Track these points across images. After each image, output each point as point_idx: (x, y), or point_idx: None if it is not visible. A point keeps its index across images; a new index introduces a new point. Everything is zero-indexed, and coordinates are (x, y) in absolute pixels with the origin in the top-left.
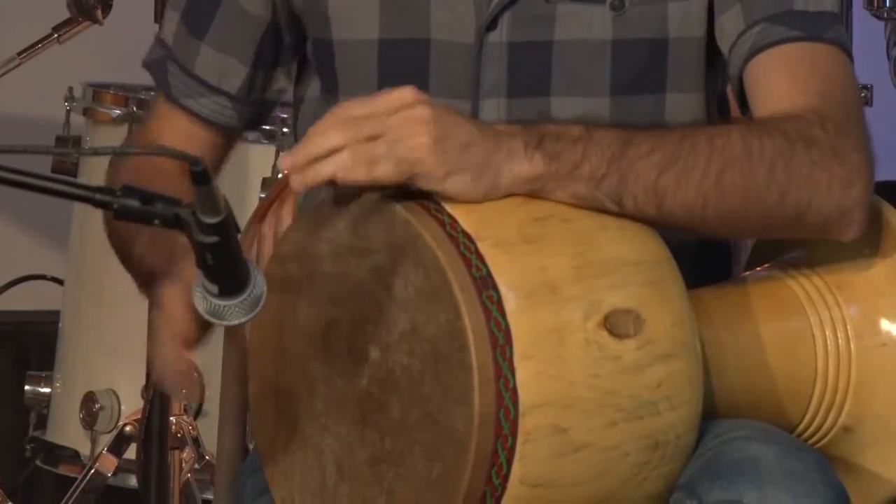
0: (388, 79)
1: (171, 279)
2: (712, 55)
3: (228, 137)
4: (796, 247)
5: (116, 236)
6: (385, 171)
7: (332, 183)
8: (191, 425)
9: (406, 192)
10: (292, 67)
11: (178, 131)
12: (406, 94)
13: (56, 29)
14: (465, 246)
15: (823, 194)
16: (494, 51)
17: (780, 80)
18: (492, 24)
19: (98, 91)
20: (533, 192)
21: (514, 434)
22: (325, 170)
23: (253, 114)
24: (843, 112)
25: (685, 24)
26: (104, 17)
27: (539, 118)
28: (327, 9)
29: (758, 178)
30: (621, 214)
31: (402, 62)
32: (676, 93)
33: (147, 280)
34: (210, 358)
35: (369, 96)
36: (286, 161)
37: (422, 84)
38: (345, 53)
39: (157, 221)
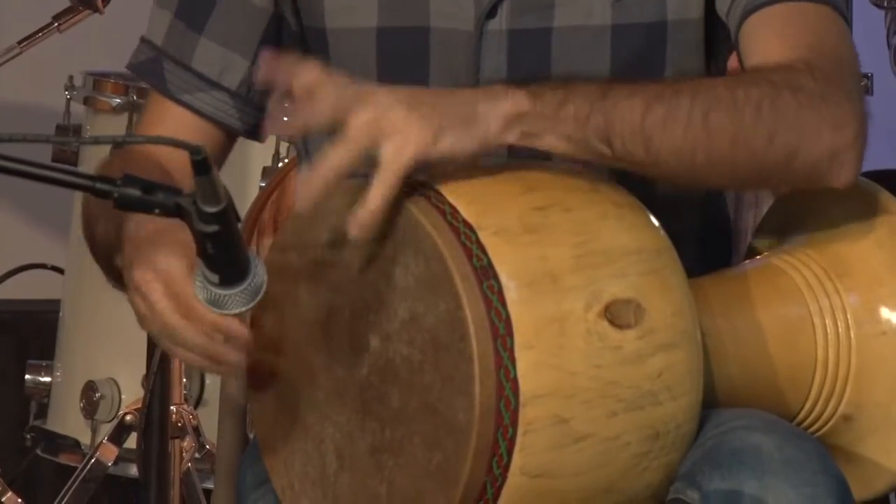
0: (387, 67)
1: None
2: (710, 37)
3: (228, 137)
4: (796, 234)
5: (85, 226)
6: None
7: None
8: (191, 414)
9: (407, 180)
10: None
11: (177, 128)
12: (361, 90)
13: (56, 18)
14: (465, 235)
15: (813, 136)
16: (494, 39)
17: (770, 37)
18: (491, 12)
19: (98, 80)
20: (523, 135)
21: (514, 424)
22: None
23: (256, 119)
24: (833, 63)
25: (683, 7)
26: (104, 6)
27: None
28: None
29: (744, 119)
30: (613, 158)
31: (402, 50)
32: (678, 75)
33: (109, 265)
34: None
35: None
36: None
37: (421, 72)
38: (340, 42)
39: (157, 210)
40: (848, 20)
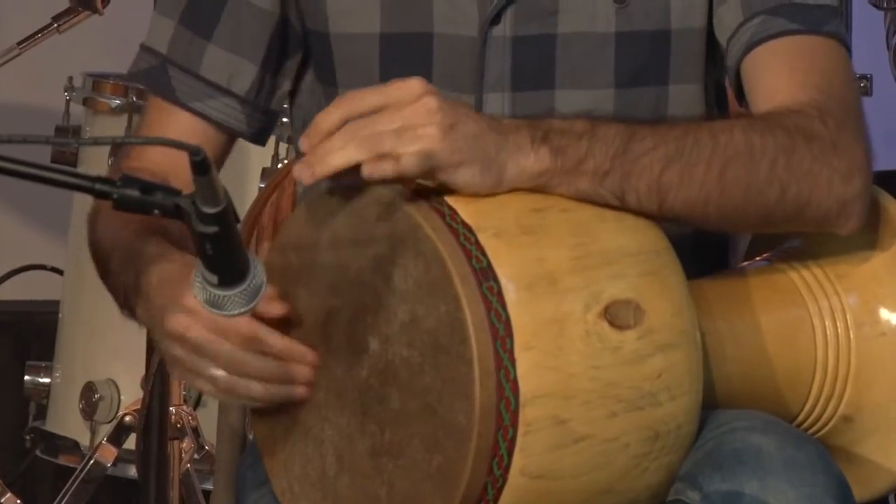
0: (389, 73)
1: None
2: (711, 46)
3: (230, 140)
4: (795, 236)
5: (96, 251)
6: (407, 165)
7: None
8: (190, 415)
9: (405, 183)
10: (295, 62)
11: (181, 133)
12: (414, 84)
13: (56, 19)
14: (465, 237)
15: (824, 189)
16: (498, 45)
17: (778, 73)
18: (495, 19)
19: (98, 81)
20: (537, 186)
21: (514, 425)
22: (336, 162)
23: (262, 123)
24: (842, 106)
25: (687, 15)
26: (104, 7)
27: (545, 115)
28: (326, 1)
29: (760, 174)
30: (623, 209)
31: (405, 56)
32: (678, 84)
33: (125, 299)
34: None
35: (377, 87)
36: (307, 175)
37: (424, 78)
38: (344, 47)
39: (156, 211)
40: (849, 49)
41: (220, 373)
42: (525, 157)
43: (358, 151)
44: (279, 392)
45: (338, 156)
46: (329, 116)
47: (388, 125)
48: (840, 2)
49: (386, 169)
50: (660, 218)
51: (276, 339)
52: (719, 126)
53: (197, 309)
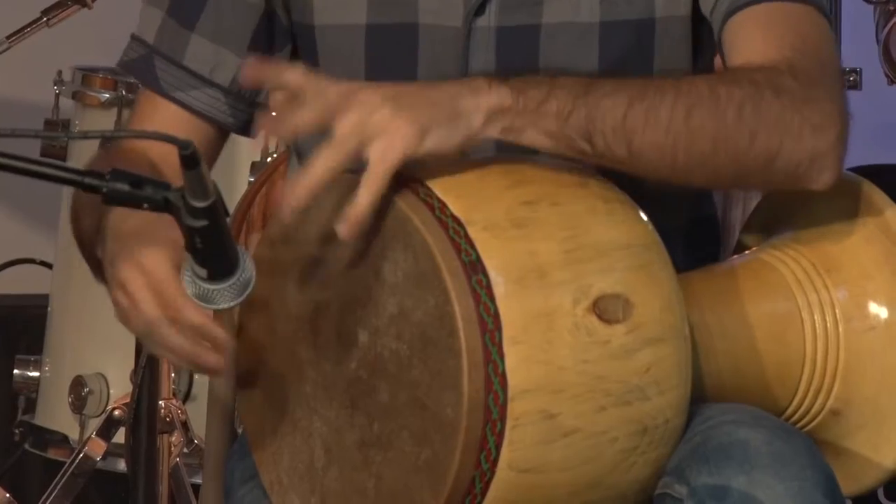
0: (375, 64)
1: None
2: (698, 34)
3: (220, 134)
4: (784, 229)
5: (73, 220)
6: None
7: None
8: (180, 409)
9: (395, 176)
10: (284, 55)
11: (169, 126)
12: (341, 88)
13: (45, 12)
14: (454, 230)
15: (794, 138)
16: (483, 35)
17: (753, 36)
18: (480, 9)
19: (87, 75)
20: (505, 130)
21: (503, 419)
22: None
23: (248, 115)
24: (816, 65)
25: (671, 3)
26: (93, 1)
27: None
28: None
29: (726, 119)
30: (594, 155)
31: (390, 47)
32: (664, 72)
33: (94, 258)
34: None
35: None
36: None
37: (409, 69)
38: (328, 39)
39: (146, 205)
40: (831, 21)
41: (146, 330)
42: (485, 96)
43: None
44: (187, 366)
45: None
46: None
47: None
48: None
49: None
50: (635, 168)
51: (191, 314)
52: (682, 77)
53: (142, 263)
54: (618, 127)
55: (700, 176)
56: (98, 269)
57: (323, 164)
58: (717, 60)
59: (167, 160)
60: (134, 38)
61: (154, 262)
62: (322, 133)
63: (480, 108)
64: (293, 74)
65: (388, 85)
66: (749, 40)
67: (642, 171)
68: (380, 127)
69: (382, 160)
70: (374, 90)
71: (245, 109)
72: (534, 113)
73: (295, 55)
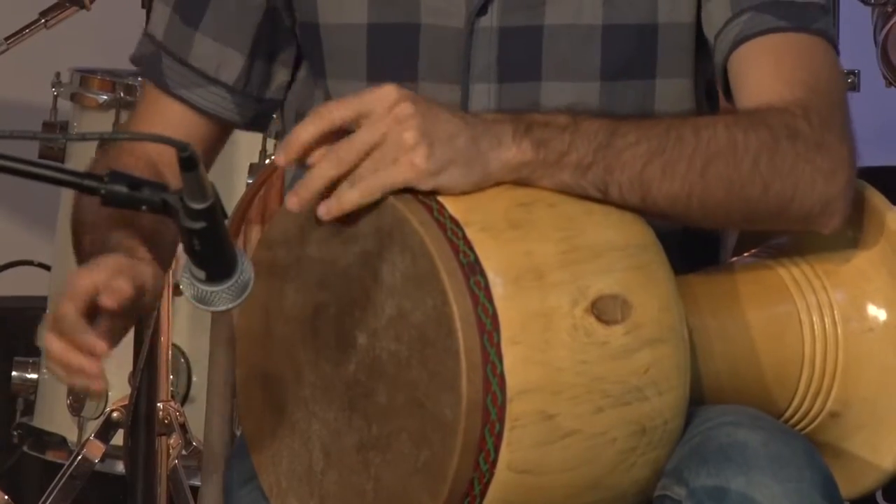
0: (377, 63)
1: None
2: (701, 41)
3: (224, 130)
4: (783, 232)
5: (74, 236)
6: (384, 185)
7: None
8: (178, 411)
9: None
10: (290, 53)
11: (173, 123)
12: (387, 92)
13: (43, 14)
14: (452, 231)
15: (807, 187)
16: (485, 36)
17: (764, 70)
18: (482, 9)
19: (85, 76)
20: (520, 179)
21: (501, 420)
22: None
23: (255, 111)
24: (827, 104)
25: (674, 10)
26: (91, 2)
27: (528, 109)
28: None
29: (742, 170)
30: (606, 202)
31: (392, 47)
32: (666, 78)
33: None
34: (197, 343)
35: (350, 98)
36: (294, 203)
37: (411, 69)
38: (332, 38)
39: (144, 207)
40: (837, 48)
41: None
42: (507, 149)
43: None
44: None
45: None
46: (304, 130)
47: (368, 144)
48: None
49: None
50: (644, 213)
51: (67, 316)
52: (702, 122)
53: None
54: (634, 179)
55: (711, 221)
56: None
57: (331, 164)
58: (723, 101)
59: (166, 159)
60: (146, 33)
61: (76, 277)
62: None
63: (501, 159)
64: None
65: (425, 103)
66: (760, 75)
67: (652, 215)
68: (402, 148)
69: (390, 174)
70: (411, 107)
71: (251, 105)
72: (553, 165)
73: (300, 55)
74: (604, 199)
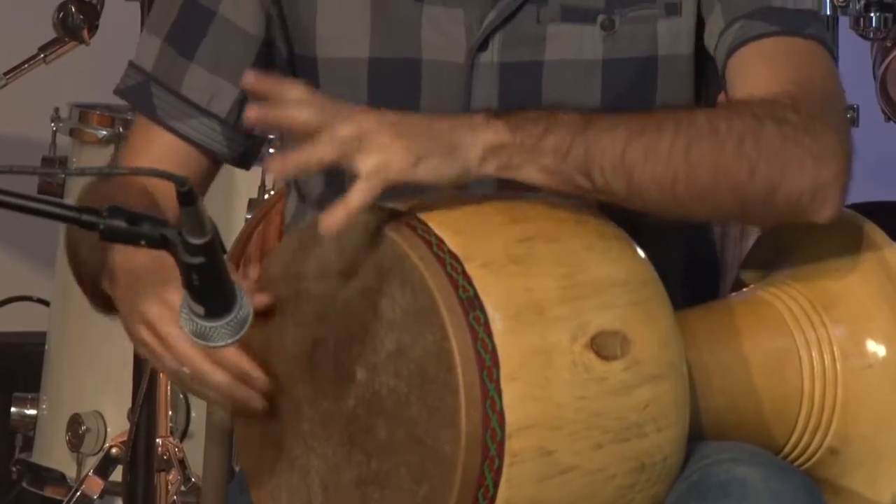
0: (378, 98)
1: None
2: (701, 72)
3: (214, 164)
4: (782, 266)
5: (69, 248)
6: (359, 196)
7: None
8: (177, 447)
9: (393, 212)
10: None
11: (164, 154)
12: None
13: (42, 49)
14: (452, 267)
15: (796, 170)
16: (485, 71)
17: (757, 71)
18: (483, 45)
19: (84, 112)
20: (502, 166)
21: (500, 456)
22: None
23: (244, 146)
24: (818, 98)
25: (674, 42)
26: (90, 38)
27: None
28: (315, 25)
29: (726, 152)
30: (593, 191)
31: (393, 82)
32: (660, 107)
33: (94, 289)
34: None
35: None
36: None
37: (412, 103)
38: (331, 71)
39: (143, 242)
40: (834, 55)
41: (181, 368)
42: (482, 132)
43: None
44: (233, 400)
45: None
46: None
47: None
48: (819, 8)
49: (340, 214)
50: (635, 201)
51: (232, 355)
52: (681, 111)
53: (167, 300)
54: (617, 162)
55: (701, 209)
56: (99, 300)
57: (308, 156)
58: (722, 96)
59: (163, 191)
60: (132, 65)
61: (179, 299)
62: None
63: (477, 143)
64: (295, 88)
65: (389, 111)
66: (752, 74)
67: (642, 204)
68: (376, 147)
69: (376, 172)
70: (377, 114)
71: (241, 141)
72: (532, 149)
73: None
74: (591, 186)
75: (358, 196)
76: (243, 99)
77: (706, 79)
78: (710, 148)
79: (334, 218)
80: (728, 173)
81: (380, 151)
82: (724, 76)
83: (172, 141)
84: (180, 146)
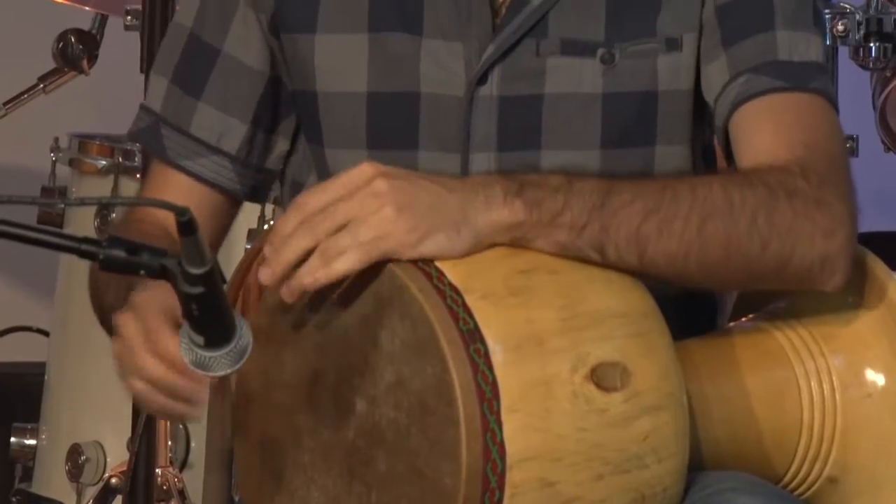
0: (377, 132)
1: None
2: (699, 107)
3: (231, 202)
4: (781, 297)
5: (94, 295)
6: (357, 259)
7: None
8: (176, 477)
9: None
10: (290, 122)
11: (179, 196)
12: (363, 171)
13: (42, 79)
14: (451, 299)
15: (806, 244)
16: (485, 105)
17: (763, 130)
18: (482, 78)
19: (84, 142)
20: (514, 240)
21: (501, 488)
22: (305, 280)
23: (255, 181)
24: (826, 163)
25: (674, 77)
26: (90, 68)
27: (525, 170)
28: (314, 60)
29: (740, 228)
30: (603, 264)
31: (392, 115)
32: (665, 145)
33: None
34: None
35: (327, 182)
36: (266, 274)
37: (411, 137)
38: (331, 106)
39: (142, 272)
40: (836, 107)
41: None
42: (498, 211)
43: (320, 262)
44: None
45: (305, 276)
46: (286, 221)
47: (343, 217)
48: (827, 59)
49: (333, 273)
50: (643, 273)
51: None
52: (698, 181)
53: (142, 307)
54: (631, 238)
55: (710, 280)
56: None
57: (307, 235)
58: (721, 161)
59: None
60: (142, 107)
61: (144, 303)
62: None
63: (492, 222)
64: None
65: (404, 179)
66: (759, 134)
67: (652, 276)
68: (379, 225)
69: (373, 243)
70: (386, 182)
71: (252, 176)
72: (547, 225)
73: (299, 124)
74: (601, 260)
75: (344, 264)
76: (253, 135)
77: (703, 115)
78: (723, 224)
79: (313, 280)
80: (740, 249)
81: (380, 225)
82: (725, 129)
83: (186, 182)
84: (194, 186)
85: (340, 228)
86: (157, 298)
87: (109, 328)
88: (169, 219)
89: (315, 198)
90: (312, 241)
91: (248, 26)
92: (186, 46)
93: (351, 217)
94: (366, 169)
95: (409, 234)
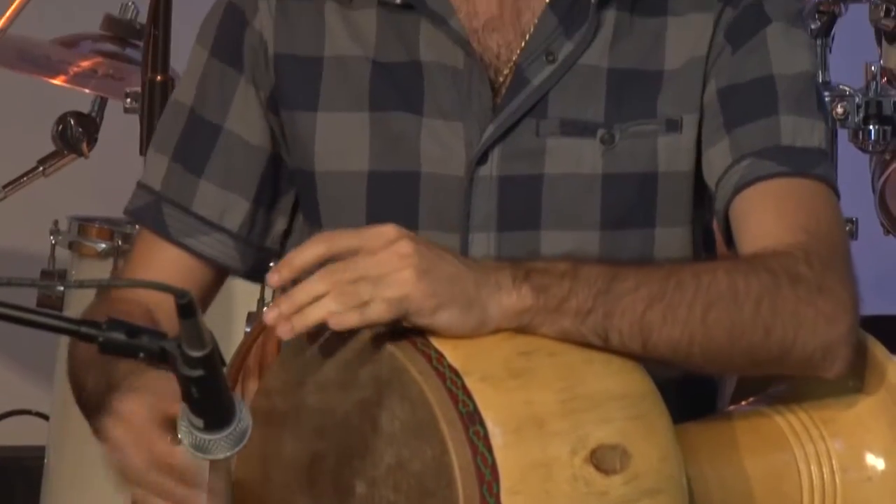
0: (377, 210)
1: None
2: (699, 189)
3: (221, 275)
4: (781, 380)
5: (73, 375)
6: (375, 313)
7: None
8: None
9: (392, 326)
10: (289, 200)
11: (170, 269)
12: (388, 230)
13: (41, 162)
14: (451, 381)
15: (808, 331)
16: (485, 184)
17: (765, 215)
18: (482, 158)
19: (83, 225)
20: (521, 325)
21: None
22: (314, 315)
23: (255, 258)
24: (829, 248)
25: (674, 159)
26: (90, 151)
27: (528, 255)
28: (314, 141)
29: (743, 315)
30: (606, 349)
31: (392, 194)
32: (665, 227)
33: (97, 417)
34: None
35: (352, 230)
36: (272, 313)
37: (411, 216)
38: (330, 185)
39: (142, 355)
40: (839, 195)
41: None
42: (507, 295)
43: (336, 305)
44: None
45: (316, 311)
46: (303, 254)
47: (363, 271)
48: (829, 145)
49: (351, 320)
50: (645, 358)
51: (181, 459)
52: (703, 267)
53: (119, 411)
54: (634, 325)
55: (713, 366)
56: (99, 427)
57: (324, 282)
58: (721, 247)
59: (162, 306)
60: (140, 185)
61: (129, 408)
62: None
63: (501, 305)
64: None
65: (424, 243)
66: (761, 218)
67: (655, 361)
68: (399, 284)
69: (399, 302)
70: (411, 245)
71: (253, 254)
72: (553, 311)
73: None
74: (605, 346)
75: (376, 312)
76: (254, 212)
77: (703, 196)
78: (727, 312)
79: (348, 321)
80: (743, 335)
81: (401, 285)
82: (726, 212)
83: (179, 255)
84: (187, 261)
85: (358, 281)
86: (142, 401)
87: (87, 412)
88: (151, 297)
89: (337, 240)
90: (328, 288)
91: (249, 103)
92: (187, 124)
93: (372, 272)
94: (390, 229)
95: (428, 301)
